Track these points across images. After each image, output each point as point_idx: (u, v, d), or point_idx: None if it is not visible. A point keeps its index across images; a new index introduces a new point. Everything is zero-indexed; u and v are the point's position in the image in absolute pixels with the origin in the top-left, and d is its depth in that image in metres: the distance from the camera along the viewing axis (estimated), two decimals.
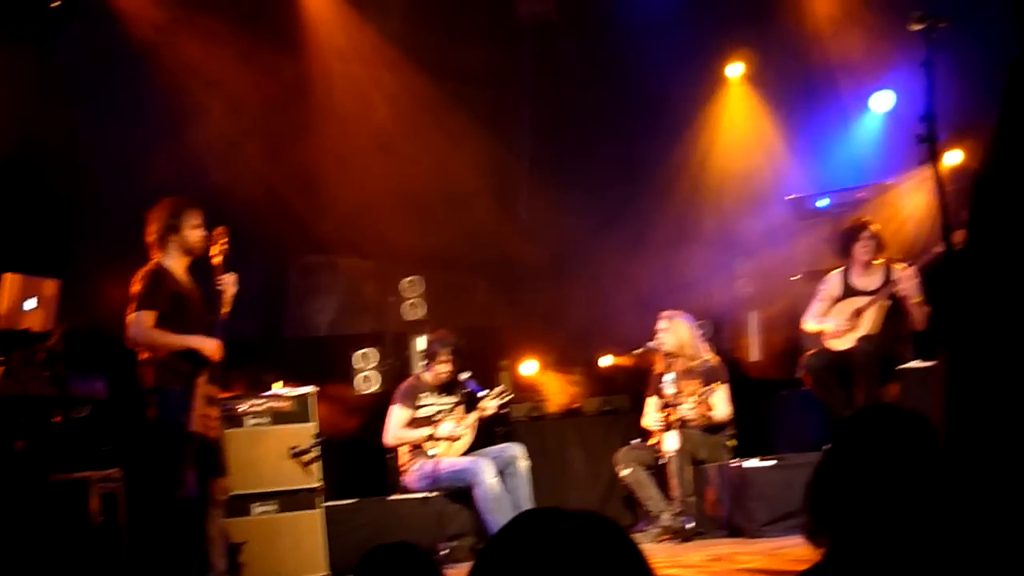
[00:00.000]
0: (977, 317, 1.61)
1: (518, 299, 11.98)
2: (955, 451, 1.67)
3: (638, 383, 10.24)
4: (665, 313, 9.58)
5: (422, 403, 9.50)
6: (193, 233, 7.32)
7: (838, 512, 2.20)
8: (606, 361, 11.19)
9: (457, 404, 9.53)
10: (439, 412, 9.40)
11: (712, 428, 9.40)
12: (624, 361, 10.46)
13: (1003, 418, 1.58)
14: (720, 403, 9.45)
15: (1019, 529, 1.60)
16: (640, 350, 9.50)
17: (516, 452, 9.28)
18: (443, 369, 9.47)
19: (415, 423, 9.42)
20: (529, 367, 11.35)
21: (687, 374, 9.44)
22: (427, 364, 9.65)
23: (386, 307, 11.11)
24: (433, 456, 8.96)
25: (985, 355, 1.60)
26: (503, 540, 1.75)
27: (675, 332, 9.49)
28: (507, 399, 9.68)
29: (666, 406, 9.33)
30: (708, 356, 9.66)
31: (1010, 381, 1.58)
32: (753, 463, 9.08)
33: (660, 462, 9.27)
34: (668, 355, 9.29)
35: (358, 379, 10.88)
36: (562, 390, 11.12)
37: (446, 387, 9.56)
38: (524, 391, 11.08)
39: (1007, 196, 1.61)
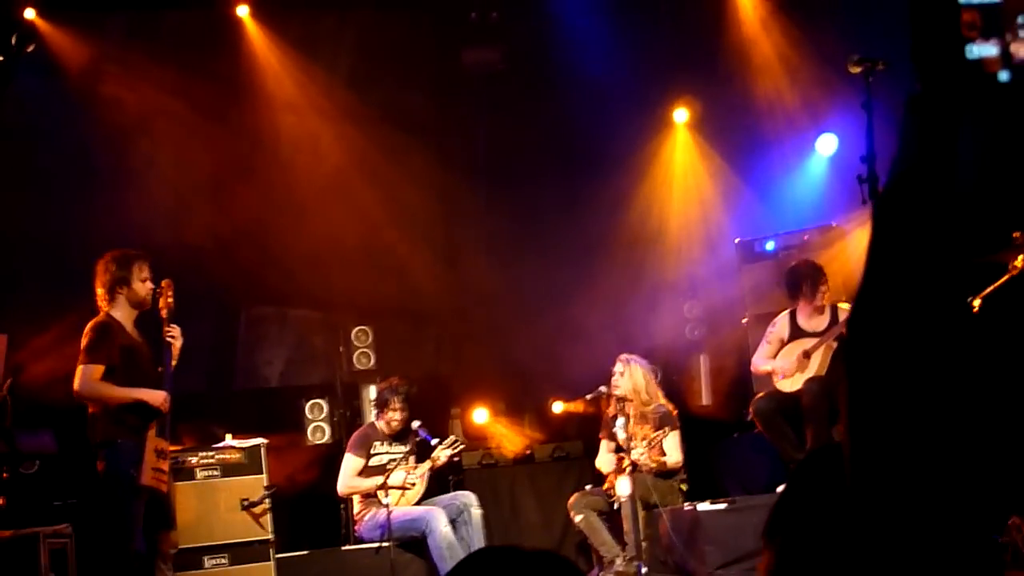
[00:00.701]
0: (875, 348, 1.66)
1: (467, 347, 12.02)
2: (860, 480, 1.71)
3: (590, 429, 10.27)
4: (622, 356, 9.61)
5: (375, 452, 9.48)
6: (143, 286, 7.28)
7: (793, 551, 2.22)
8: (557, 407, 11.20)
9: (409, 453, 9.51)
10: (391, 461, 9.37)
11: (665, 473, 9.42)
12: (576, 407, 10.47)
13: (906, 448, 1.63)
14: (672, 449, 9.46)
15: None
16: (592, 395, 9.51)
17: (468, 500, 9.28)
18: (395, 417, 9.47)
19: (368, 472, 9.40)
20: (480, 415, 11.35)
21: (639, 418, 9.47)
22: (379, 413, 9.64)
23: (336, 357, 11.11)
24: (386, 505, 8.92)
25: (885, 385, 1.65)
26: (464, 572, 1.76)
27: (631, 376, 9.52)
28: (459, 448, 9.67)
29: (618, 450, 9.36)
30: (662, 401, 9.69)
31: (911, 419, 1.63)
32: (705, 506, 9.07)
33: (614, 507, 9.28)
34: (620, 399, 9.31)
35: (309, 430, 10.85)
36: (513, 437, 11.12)
37: (399, 436, 9.54)
38: (475, 439, 11.08)
39: (902, 236, 1.66)
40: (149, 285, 7.30)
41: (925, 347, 1.57)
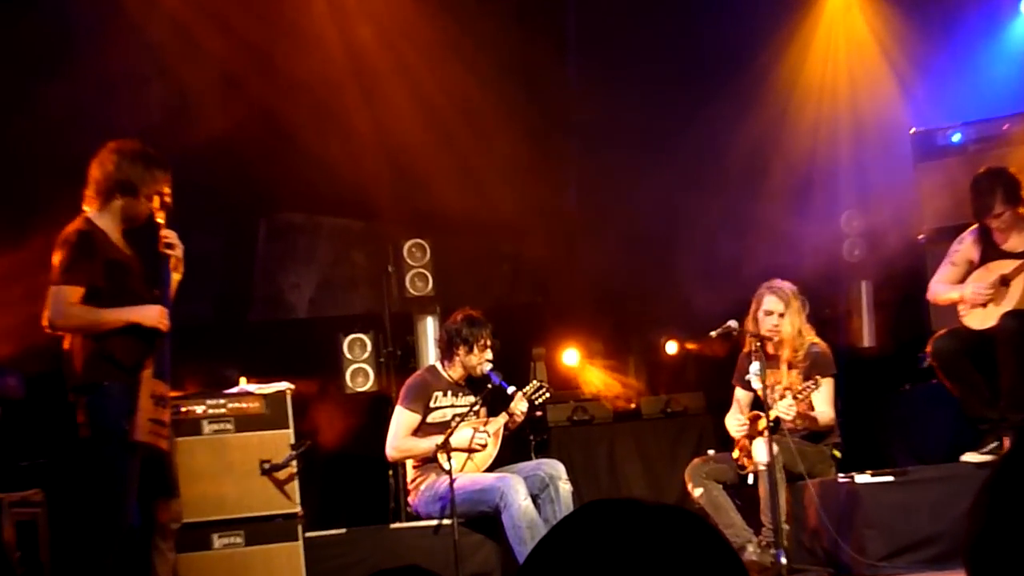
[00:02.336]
0: None
1: (554, 270, 11.98)
2: None
3: (714, 376, 10.20)
4: (773, 285, 9.22)
5: (436, 405, 9.35)
6: (149, 204, 7.13)
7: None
8: (672, 348, 11.18)
9: (479, 405, 9.44)
10: (457, 416, 9.30)
11: (813, 435, 9.30)
12: (696, 347, 10.43)
13: None
14: (822, 402, 9.21)
15: None
16: (719, 331, 9.32)
17: (555, 471, 9.07)
18: (487, 357, 9.32)
19: (426, 430, 9.24)
20: (570, 357, 11.35)
21: (784, 363, 9.30)
22: (454, 353, 9.41)
23: (384, 280, 11.11)
24: (448, 472, 8.90)
25: None
26: (567, 530, 1.72)
27: (780, 308, 9.21)
28: (543, 399, 9.60)
29: (754, 404, 9.24)
30: (813, 339, 9.43)
31: None
32: (865, 479, 8.93)
33: (746, 479, 9.17)
34: (760, 337, 9.11)
35: (348, 373, 10.89)
36: (614, 386, 11.11)
37: (465, 384, 9.48)
38: (564, 388, 11.07)
39: None
40: (153, 205, 7.15)
41: None
